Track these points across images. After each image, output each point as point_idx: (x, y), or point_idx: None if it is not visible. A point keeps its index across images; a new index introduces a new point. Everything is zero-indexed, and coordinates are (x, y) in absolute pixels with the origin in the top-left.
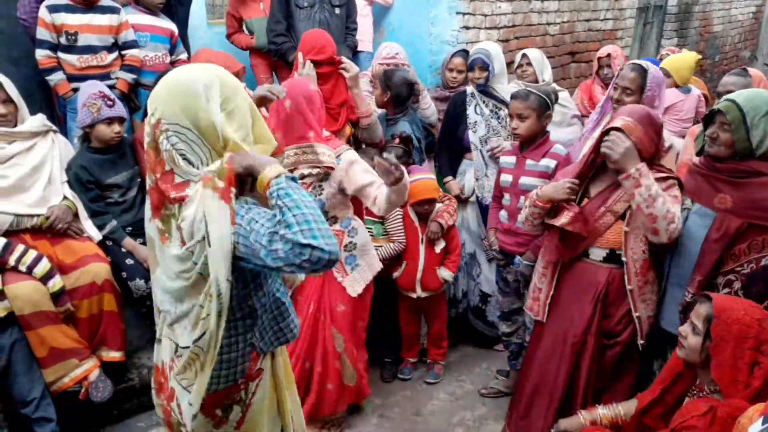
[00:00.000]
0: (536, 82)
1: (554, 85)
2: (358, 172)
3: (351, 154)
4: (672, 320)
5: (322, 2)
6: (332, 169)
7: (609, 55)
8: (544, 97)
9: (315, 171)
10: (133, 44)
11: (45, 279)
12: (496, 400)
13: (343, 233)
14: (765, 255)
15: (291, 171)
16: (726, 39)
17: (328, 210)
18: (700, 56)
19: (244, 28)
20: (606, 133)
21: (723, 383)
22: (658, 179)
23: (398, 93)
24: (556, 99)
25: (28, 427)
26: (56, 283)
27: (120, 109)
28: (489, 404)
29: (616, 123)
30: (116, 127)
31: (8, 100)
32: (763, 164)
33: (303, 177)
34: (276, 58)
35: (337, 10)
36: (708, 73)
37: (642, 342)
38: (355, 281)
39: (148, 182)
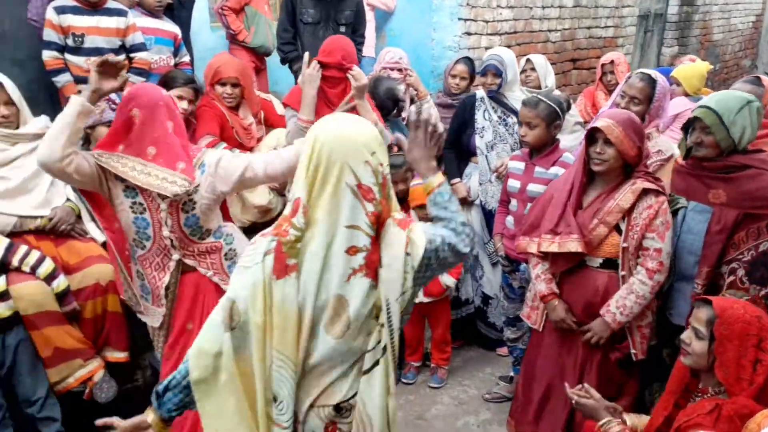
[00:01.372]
0: (539, 87)
1: (557, 91)
2: (227, 163)
3: (211, 154)
4: (682, 314)
5: (327, 20)
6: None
7: (612, 62)
8: (554, 106)
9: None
10: (141, 47)
11: (49, 279)
12: (500, 405)
13: (221, 243)
14: (762, 241)
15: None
16: (726, 47)
17: (203, 225)
18: (711, 66)
19: (245, 19)
20: (589, 134)
21: (728, 382)
22: (647, 191)
23: (381, 105)
24: (569, 108)
25: (33, 426)
26: (61, 283)
27: None
28: (493, 409)
29: (598, 123)
30: None
31: (10, 102)
32: (746, 157)
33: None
34: (283, 65)
35: (343, 28)
36: (709, 81)
37: (635, 352)
38: None
39: (359, 240)
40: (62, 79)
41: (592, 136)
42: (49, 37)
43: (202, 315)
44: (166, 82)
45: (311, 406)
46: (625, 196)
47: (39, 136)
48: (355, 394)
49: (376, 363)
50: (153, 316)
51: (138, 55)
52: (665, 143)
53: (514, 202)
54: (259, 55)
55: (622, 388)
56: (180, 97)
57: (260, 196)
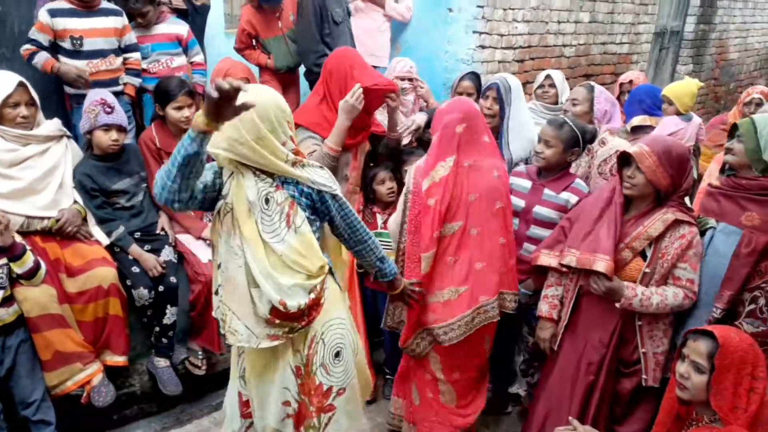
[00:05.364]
0: (556, 103)
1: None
2: None
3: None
4: None
5: (347, 14)
6: None
7: (631, 82)
8: (577, 132)
9: None
10: (135, 47)
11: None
12: (516, 422)
13: None
14: None
15: None
16: (742, 67)
17: None
18: (702, 84)
19: (263, 48)
20: (621, 156)
21: (723, 411)
22: (678, 221)
23: None
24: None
25: (27, 429)
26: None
27: (119, 117)
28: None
29: (632, 149)
30: (113, 135)
31: (31, 103)
32: None
33: None
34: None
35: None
36: (722, 100)
37: (646, 378)
38: None
39: None
40: (39, 59)
41: (627, 158)
42: (33, 36)
43: None
44: (165, 94)
45: None
46: (654, 224)
47: (51, 138)
48: None
49: None
50: None
51: (131, 56)
52: (622, 144)
53: (516, 221)
54: (285, 74)
55: (632, 412)
56: (179, 108)
57: None
